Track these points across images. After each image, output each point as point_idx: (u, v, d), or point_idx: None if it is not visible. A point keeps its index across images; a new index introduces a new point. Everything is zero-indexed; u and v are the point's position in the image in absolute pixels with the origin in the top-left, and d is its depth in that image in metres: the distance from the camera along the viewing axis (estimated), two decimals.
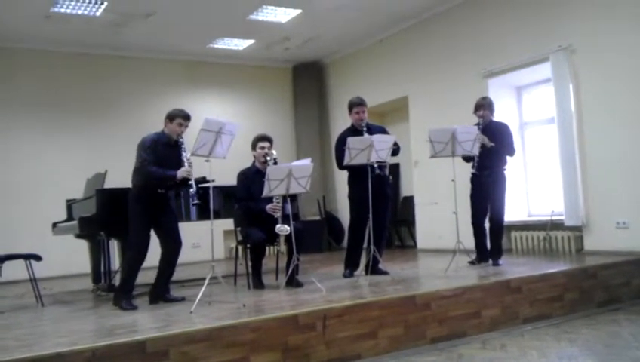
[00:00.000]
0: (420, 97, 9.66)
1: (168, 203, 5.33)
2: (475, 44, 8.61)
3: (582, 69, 7.21)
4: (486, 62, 8.35)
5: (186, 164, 5.09)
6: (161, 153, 5.12)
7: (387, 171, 6.28)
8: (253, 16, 9.14)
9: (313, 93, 11.90)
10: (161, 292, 5.29)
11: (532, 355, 4.28)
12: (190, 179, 5.05)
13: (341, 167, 6.16)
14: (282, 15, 9.18)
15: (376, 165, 5.91)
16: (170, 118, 5.20)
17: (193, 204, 5.16)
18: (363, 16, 9.40)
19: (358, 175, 6.07)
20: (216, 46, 10.48)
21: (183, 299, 5.28)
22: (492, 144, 6.25)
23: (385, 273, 6.08)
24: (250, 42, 10.43)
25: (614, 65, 6.88)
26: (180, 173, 5.05)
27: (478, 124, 6.39)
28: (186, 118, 5.23)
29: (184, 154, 5.14)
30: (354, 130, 6.27)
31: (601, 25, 7.02)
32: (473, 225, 6.53)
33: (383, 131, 6.26)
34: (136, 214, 5.12)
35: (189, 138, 5.09)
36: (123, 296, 5.07)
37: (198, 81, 11.00)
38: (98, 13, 8.53)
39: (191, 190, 5.06)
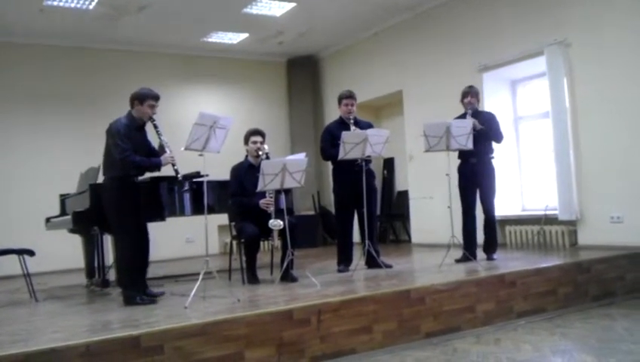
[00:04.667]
0: (414, 91, 9.65)
1: (139, 193, 5.12)
2: (470, 37, 8.60)
3: (577, 62, 7.22)
4: (481, 55, 8.35)
5: (167, 149, 4.97)
6: (135, 139, 4.92)
7: (372, 165, 6.30)
8: (247, 10, 9.10)
9: (307, 87, 11.87)
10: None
11: (526, 349, 4.29)
12: (175, 165, 4.92)
13: (325, 157, 6.41)
14: (276, 9, 9.15)
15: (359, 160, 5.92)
16: (140, 99, 4.92)
17: (183, 191, 5.05)
18: (357, 9, 9.38)
19: (342, 169, 6.12)
20: (210, 40, 10.44)
21: (162, 294, 5.23)
22: (482, 126, 6.24)
23: (388, 266, 6.11)
24: (244, 36, 10.40)
25: (609, 59, 6.88)
26: (165, 159, 4.93)
27: (465, 113, 6.40)
28: (157, 98, 4.98)
29: (162, 138, 4.99)
30: (341, 122, 6.29)
31: (596, 19, 7.02)
32: (464, 215, 6.46)
33: (371, 126, 6.29)
34: (121, 205, 4.86)
35: (183, 132, 5.03)
36: (135, 292, 4.86)
37: (192, 75, 10.96)
38: (91, 7, 8.48)
39: (178, 175, 4.95)
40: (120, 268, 4.99)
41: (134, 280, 4.95)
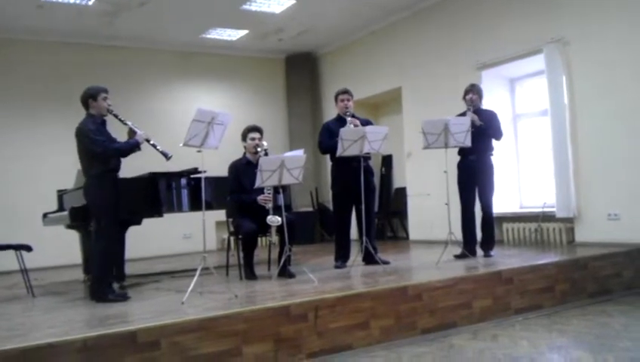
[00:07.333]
0: (413, 89, 9.66)
1: (119, 190, 5.22)
2: (469, 35, 8.60)
3: (575, 60, 7.22)
4: (479, 53, 8.35)
5: (136, 130, 5.08)
6: (104, 134, 5.03)
7: (371, 162, 6.37)
8: (246, 7, 9.09)
9: (306, 85, 11.87)
10: None
11: (523, 345, 4.30)
12: (150, 140, 5.07)
13: (323, 150, 6.45)
14: (276, 5, 9.14)
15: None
16: (93, 96, 5.04)
17: (168, 158, 5.11)
18: (357, 7, 9.37)
19: (341, 166, 6.15)
20: (209, 36, 10.43)
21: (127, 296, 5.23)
22: (481, 123, 6.24)
23: (386, 262, 6.11)
24: (243, 33, 10.39)
25: (607, 57, 6.88)
26: (140, 137, 5.04)
27: (468, 110, 6.40)
28: (107, 90, 5.11)
29: (128, 123, 5.10)
30: (339, 119, 6.31)
31: (594, 17, 7.02)
32: (462, 212, 6.47)
33: (369, 124, 6.28)
34: (105, 201, 4.95)
35: (182, 128, 5.04)
36: (107, 288, 4.92)
37: (191, 72, 10.96)
38: (90, 3, 8.47)
39: (158, 147, 5.06)
40: (98, 262, 4.99)
41: (107, 276, 5.01)
